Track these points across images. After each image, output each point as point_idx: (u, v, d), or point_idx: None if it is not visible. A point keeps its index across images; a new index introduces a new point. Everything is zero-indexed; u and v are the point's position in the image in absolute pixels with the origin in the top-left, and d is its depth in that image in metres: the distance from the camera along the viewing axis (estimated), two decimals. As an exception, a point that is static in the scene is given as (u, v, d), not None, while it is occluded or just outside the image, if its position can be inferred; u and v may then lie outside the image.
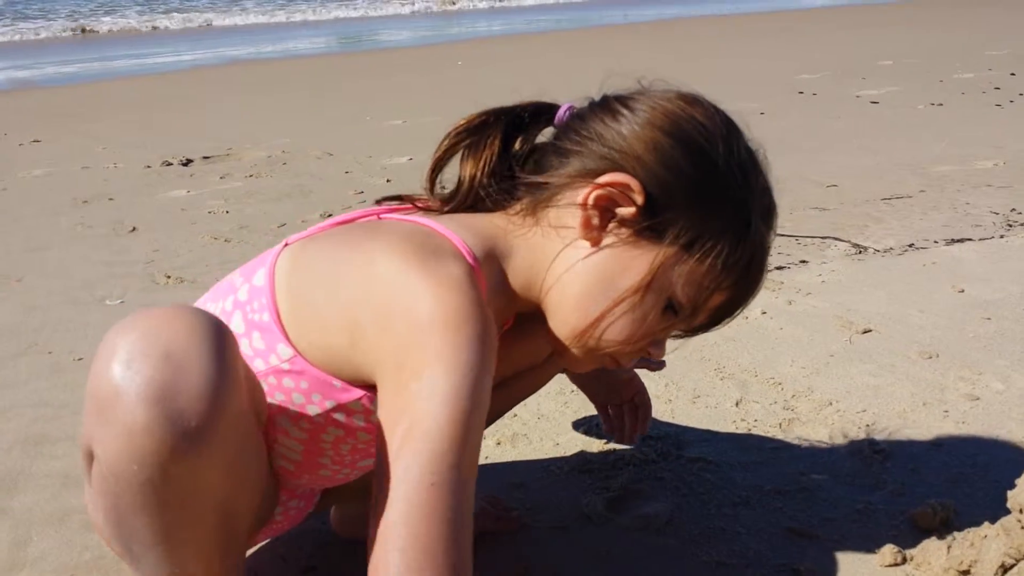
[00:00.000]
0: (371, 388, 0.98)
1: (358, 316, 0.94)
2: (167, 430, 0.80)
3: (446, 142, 1.10)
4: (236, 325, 1.03)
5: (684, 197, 0.99)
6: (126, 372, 0.81)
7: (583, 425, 1.75)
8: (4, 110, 6.51)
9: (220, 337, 0.85)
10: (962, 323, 2.15)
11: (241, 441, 0.89)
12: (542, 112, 1.11)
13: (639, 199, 0.98)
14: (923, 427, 1.68)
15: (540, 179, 1.05)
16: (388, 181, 3.88)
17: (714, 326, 1.10)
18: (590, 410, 1.78)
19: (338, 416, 1.03)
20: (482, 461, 1.64)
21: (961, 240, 2.81)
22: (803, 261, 2.68)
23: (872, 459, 1.57)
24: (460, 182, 1.10)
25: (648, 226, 0.99)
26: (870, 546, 1.34)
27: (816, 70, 6.72)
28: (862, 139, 4.45)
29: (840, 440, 1.65)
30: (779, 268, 2.61)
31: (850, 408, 1.76)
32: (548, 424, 1.76)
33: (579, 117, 1.06)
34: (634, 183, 0.98)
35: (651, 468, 1.58)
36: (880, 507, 1.44)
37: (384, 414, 0.89)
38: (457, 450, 0.85)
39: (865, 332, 2.12)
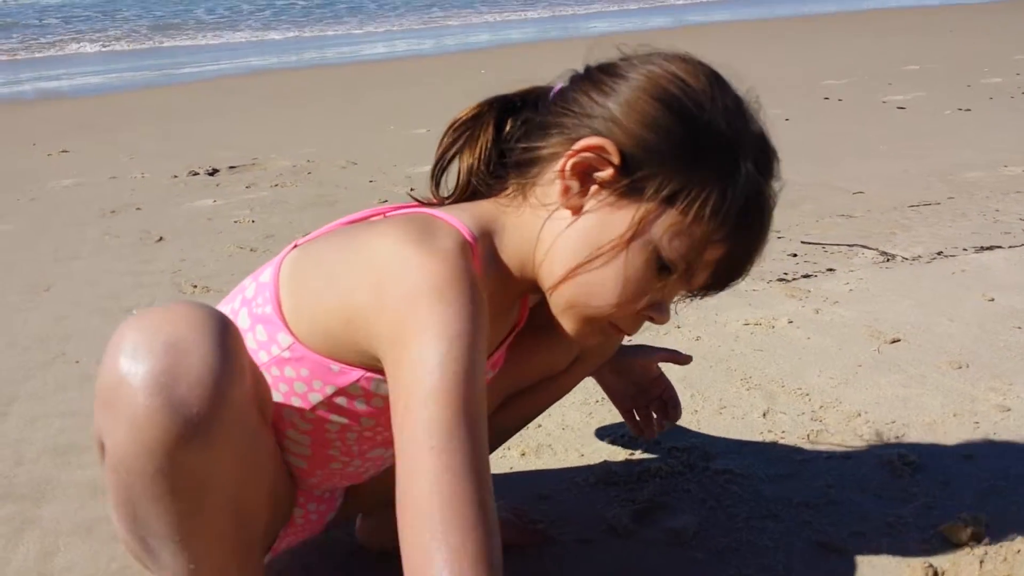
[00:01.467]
0: (370, 368, 1.01)
1: (355, 297, 0.97)
2: (170, 418, 0.83)
3: (446, 138, 1.12)
4: (242, 321, 1.07)
5: (663, 151, 0.98)
6: (130, 363, 0.84)
7: (608, 435, 1.74)
8: (32, 120, 6.59)
9: (223, 328, 0.88)
10: (992, 332, 2.12)
11: (247, 431, 0.91)
12: (537, 95, 1.11)
13: (615, 159, 0.98)
14: (954, 439, 1.66)
15: (523, 155, 1.06)
16: (412, 190, 3.86)
17: (723, 286, 1.07)
18: (614, 419, 1.77)
19: (340, 401, 1.05)
20: (506, 471, 1.64)
21: (990, 248, 2.77)
22: (830, 269, 2.66)
23: (902, 471, 1.55)
24: (459, 174, 1.13)
25: (628, 185, 0.99)
26: (901, 561, 1.32)
27: (841, 76, 6.67)
28: (889, 145, 4.41)
29: (869, 452, 1.63)
30: (806, 276, 2.59)
31: (879, 419, 1.74)
32: (573, 435, 1.76)
33: (563, 92, 1.07)
34: (607, 143, 0.98)
35: (677, 480, 1.56)
36: (910, 521, 1.42)
37: (390, 392, 0.92)
38: (453, 413, 0.87)
39: (894, 342, 2.10)
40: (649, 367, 1.51)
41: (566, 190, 1.01)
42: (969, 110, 5.17)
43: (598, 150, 0.99)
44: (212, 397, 0.84)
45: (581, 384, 1.82)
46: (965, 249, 2.77)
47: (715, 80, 1.02)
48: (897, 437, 1.67)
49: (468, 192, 1.12)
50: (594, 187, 1.01)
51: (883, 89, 6.05)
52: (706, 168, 0.98)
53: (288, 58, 10.50)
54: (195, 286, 2.77)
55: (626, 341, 1.49)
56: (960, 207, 3.28)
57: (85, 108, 7.16)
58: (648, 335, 1.69)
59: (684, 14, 13.80)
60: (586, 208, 1.01)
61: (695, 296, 1.10)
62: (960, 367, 1.94)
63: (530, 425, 1.75)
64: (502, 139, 1.10)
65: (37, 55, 11.78)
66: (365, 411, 1.07)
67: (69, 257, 3.19)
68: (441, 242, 0.96)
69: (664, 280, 1.02)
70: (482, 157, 1.10)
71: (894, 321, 2.22)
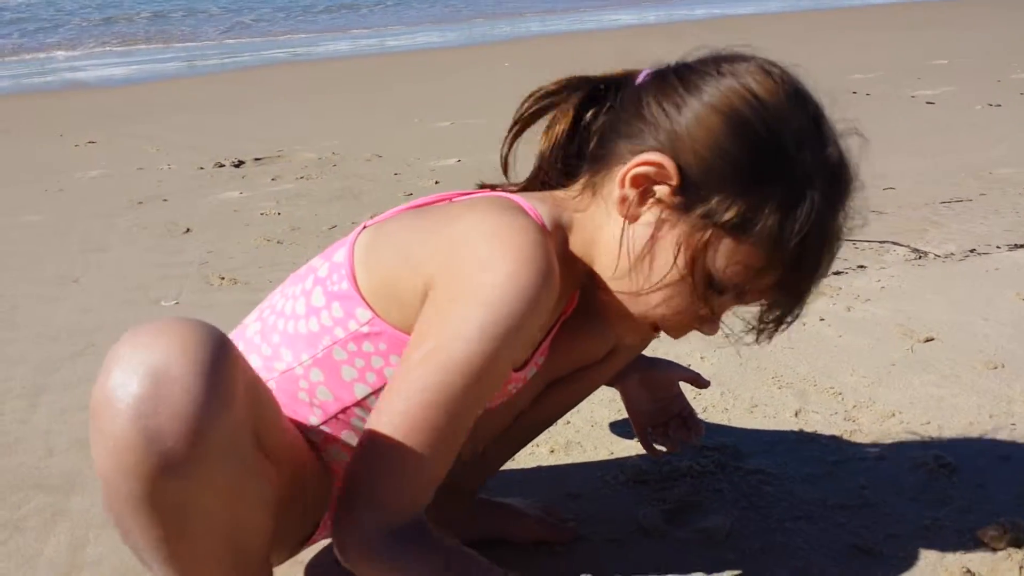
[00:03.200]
0: None
1: (431, 264, 0.97)
2: (146, 448, 0.80)
3: (527, 104, 1.10)
4: (316, 299, 1.08)
5: (725, 175, 0.96)
6: (116, 384, 0.81)
7: (630, 432, 1.72)
8: (60, 111, 6.63)
9: (217, 353, 0.84)
10: (1028, 332, 2.09)
11: (233, 463, 0.87)
12: (621, 83, 1.08)
13: (673, 179, 0.98)
14: (990, 440, 1.64)
15: (596, 151, 1.06)
16: (437, 183, 3.88)
17: (785, 309, 1.04)
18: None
19: None
20: (536, 468, 1.63)
21: (1024, 246, 2.73)
22: (861, 266, 2.63)
23: (938, 473, 1.53)
24: (537, 159, 1.13)
25: (685, 205, 0.98)
26: (937, 565, 1.30)
27: (869, 70, 6.60)
28: (918, 140, 4.36)
29: (904, 453, 1.60)
30: (836, 274, 2.56)
31: (914, 420, 1.72)
32: (602, 432, 1.74)
33: (638, 92, 1.04)
34: (667, 162, 0.97)
35: (709, 480, 1.55)
36: (947, 524, 1.40)
37: (420, 324, 0.95)
38: (466, 386, 0.91)
39: (927, 340, 2.07)
40: (672, 383, 1.50)
41: (624, 199, 1.01)
42: (1000, 105, 5.10)
43: (658, 166, 0.98)
44: (191, 431, 0.81)
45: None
46: (998, 247, 2.73)
47: (794, 97, 0.98)
48: (932, 438, 1.65)
49: (538, 180, 1.13)
50: (652, 199, 1.00)
51: (912, 83, 5.98)
52: (769, 196, 0.96)
53: (312, 50, 10.52)
54: (223, 278, 2.77)
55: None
56: (992, 204, 3.24)
57: (112, 99, 7.21)
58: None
59: (711, 7, 13.70)
60: (642, 219, 1.01)
61: (763, 333, 1.07)
62: (995, 367, 1.91)
63: (559, 422, 1.74)
64: (580, 128, 1.09)
65: (65, 52, 11.85)
66: None
67: (97, 248, 3.21)
68: (520, 218, 0.97)
69: (714, 299, 1.03)
70: (557, 144, 1.09)
71: (927, 320, 2.19)
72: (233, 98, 6.93)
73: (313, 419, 1.10)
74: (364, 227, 1.11)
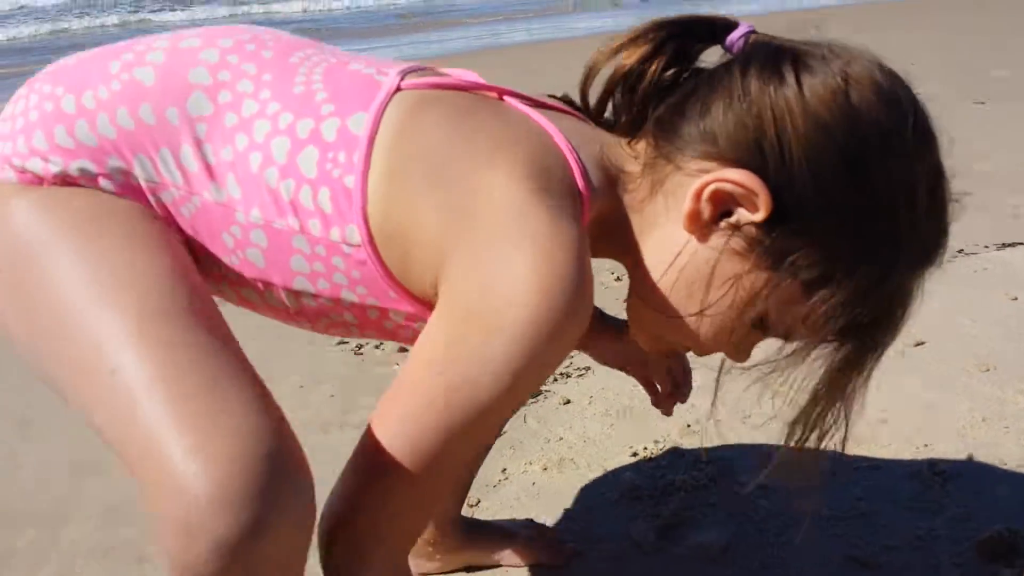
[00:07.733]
0: (421, 304, 0.88)
1: (454, 239, 0.81)
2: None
3: (605, 50, 0.94)
4: (305, 164, 0.85)
5: (820, 223, 0.81)
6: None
7: (629, 448, 1.72)
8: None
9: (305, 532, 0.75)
10: (1018, 333, 2.08)
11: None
12: (712, 30, 0.92)
13: (762, 213, 0.81)
14: (984, 445, 1.63)
15: (670, 121, 0.88)
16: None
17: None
18: (635, 436, 1.74)
19: (372, 314, 0.93)
20: (529, 487, 1.62)
21: (1012, 244, 2.73)
22: (849, 270, 2.62)
23: (932, 481, 1.52)
24: (607, 85, 0.94)
25: (764, 245, 0.83)
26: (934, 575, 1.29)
27: (852, 69, 6.61)
28: (903, 140, 4.35)
29: (897, 461, 1.60)
30: (825, 278, 2.56)
31: (906, 426, 1.71)
32: (595, 448, 1.73)
33: (742, 63, 0.86)
34: (764, 194, 0.80)
35: (703, 494, 1.54)
36: (943, 533, 1.39)
37: (431, 347, 0.80)
38: (485, 423, 0.80)
39: (917, 344, 2.06)
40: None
41: (694, 214, 0.84)
42: (984, 103, 5.12)
43: (748, 191, 0.81)
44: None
45: (603, 396, 1.81)
46: (986, 247, 2.73)
47: (923, 137, 0.84)
48: (925, 445, 1.64)
49: (602, 111, 0.96)
50: (727, 221, 0.84)
51: (895, 82, 5.99)
52: (858, 263, 0.81)
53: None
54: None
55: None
56: (979, 203, 3.22)
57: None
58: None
59: (693, 8, 13.72)
60: (711, 241, 0.85)
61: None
62: (987, 369, 1.91)
63: (551, 438, 1.73)
64: (663, 77, 0.91)
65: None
66: (401, 324, 0.94)
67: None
68: (563, 223, 0.79)
69: (757, 335, 0.92)
70: (634, 72, 0.90)
71: (917, 322, 2.16)
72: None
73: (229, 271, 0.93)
74: (398, 88, 0.89)
